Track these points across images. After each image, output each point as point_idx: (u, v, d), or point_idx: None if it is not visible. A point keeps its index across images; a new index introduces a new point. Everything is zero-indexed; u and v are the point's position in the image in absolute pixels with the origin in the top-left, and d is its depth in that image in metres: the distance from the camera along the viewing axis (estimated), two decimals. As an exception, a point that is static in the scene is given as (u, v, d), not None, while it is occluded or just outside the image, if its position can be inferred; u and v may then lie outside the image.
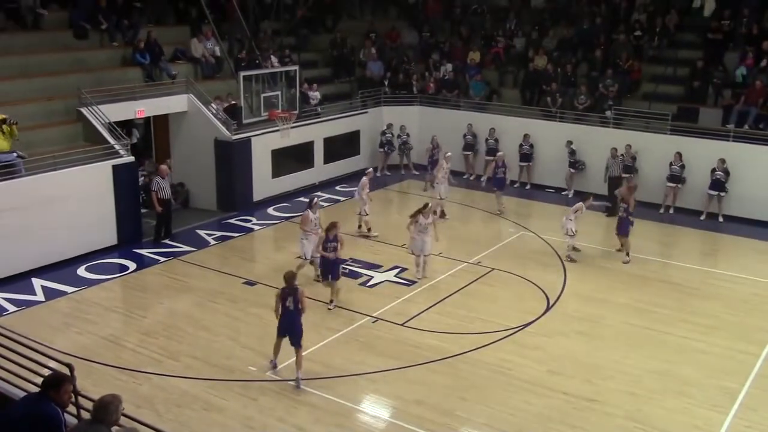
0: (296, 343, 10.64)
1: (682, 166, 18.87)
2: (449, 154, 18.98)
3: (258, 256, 17.02)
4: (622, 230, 15.82)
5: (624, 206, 15.77)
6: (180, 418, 9.86)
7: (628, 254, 15.78)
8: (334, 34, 24.80)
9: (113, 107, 16.96)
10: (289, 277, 10.62)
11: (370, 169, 18.25)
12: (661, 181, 19.25)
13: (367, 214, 17.05)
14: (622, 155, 19.22)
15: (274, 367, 11.05)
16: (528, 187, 21.38)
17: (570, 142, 20.40)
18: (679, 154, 18.85)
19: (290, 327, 10.63)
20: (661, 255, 16.92)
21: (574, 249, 16.10)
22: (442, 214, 18.00)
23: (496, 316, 13.12)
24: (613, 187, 18.94)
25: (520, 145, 21.24)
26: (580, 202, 16.28)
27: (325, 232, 13.43)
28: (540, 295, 14.08)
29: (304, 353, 10.92)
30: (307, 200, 14.96)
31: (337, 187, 21.32)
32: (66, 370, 6.95)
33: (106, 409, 5.75)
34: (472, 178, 22.22)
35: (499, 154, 19.39)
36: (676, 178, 18.98)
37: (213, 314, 13.08)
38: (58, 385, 6.09)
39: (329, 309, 13.18)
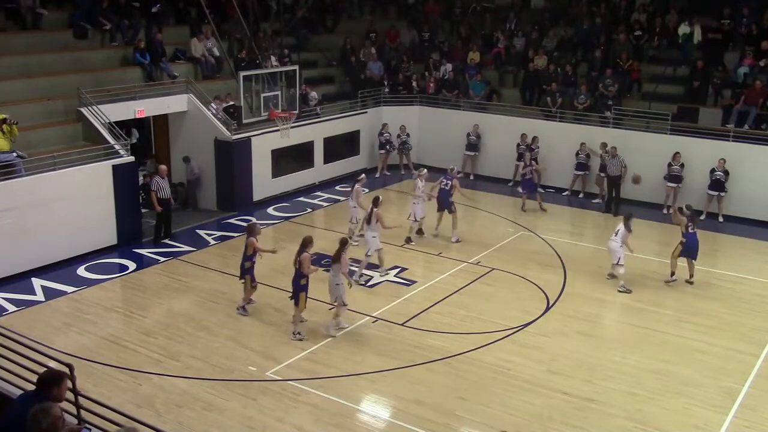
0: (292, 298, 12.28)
1: (682, 165, 18.86)
2: (424, 170, 17.19)
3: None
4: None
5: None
6: (180, 418, 9.85)
7: (691, 275, 14.62)
8: (344, 42, 24.77)
9: (113, 107, 16.95)
10: (306, 242, 12.25)
11: (363, 176, 17.30)
12: (661, 181, 19.24)
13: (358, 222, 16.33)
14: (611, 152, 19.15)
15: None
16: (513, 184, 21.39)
17: (605, 144, 19.78)
18: (678, 154, 18.83)
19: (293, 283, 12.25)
20: (662, 255, 16.87)
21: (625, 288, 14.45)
22: (420, 232, 16.80)
23: (496, 316, 13.12)
24: (612, 186, 19.04)
25: (518, 145, 21.29)
26: (622, 226, 14.50)
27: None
28: (540, 295, 14.08)
29: (303, 353, 11.26)
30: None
31: (337, 187, 21.32)
32: (65, 370, 6.95)
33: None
34: (471, 178, 22.24)
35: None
36: (676, 178, 18.97)
37: (213, 314, 13.07)
38: (54, 382, 6.11)
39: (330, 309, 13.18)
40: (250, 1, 21.76)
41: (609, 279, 14.84)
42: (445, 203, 16.79)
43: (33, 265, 14.50)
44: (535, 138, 20.79)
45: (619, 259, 14.38)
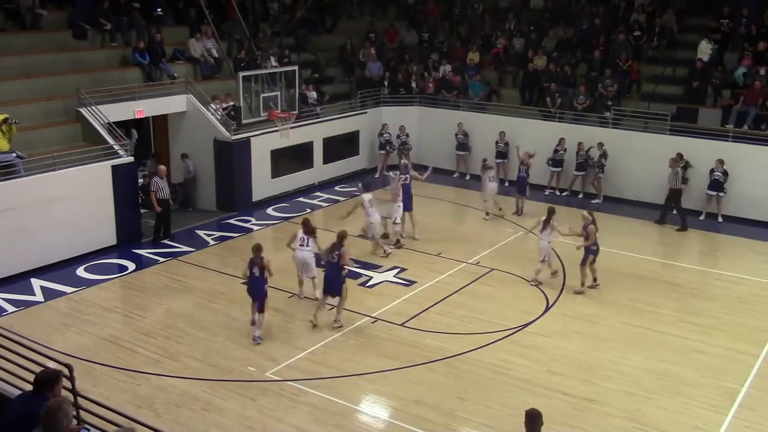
0: (259, 305, 12.10)
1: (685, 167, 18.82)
2: (402, 166, 17.60)
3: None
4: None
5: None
6: (179, 418, 9.85)
7: (583, 284, 14.16)
8: (345, 42, 24.79)
9: (112, 107, 16.96)
10: (256, 249, 12.21)
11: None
12: (660, 182, 19.23)
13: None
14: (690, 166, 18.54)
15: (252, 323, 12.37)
16: (507, 184, 21.33)
17: (601, 144, 19.85)
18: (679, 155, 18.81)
19: (253, 291, 12.12)
20: (661, 255, 16.92)
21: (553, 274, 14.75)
22: (386, 236, 16.56)
23: (495, 316, 13.12)
24: (672, 198, 18.29)
25: (496, 143, 21.30)
26: (548, 221, 14.37)
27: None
28: (539, 295, 14.07)
29: (303, 353, 11.35)
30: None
31: (337, 188, 21.34)
32: (65, 370, 6.95)
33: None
34: (467, 178, 22.25)
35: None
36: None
37: (212, 314, 13.08)
38: (52, 382, 6.13)
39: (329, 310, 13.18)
40: (249, 2, 21.78)
41: (533, 285, 14.44)
42: (409, 202, 16.73)
43: (32, 265, 14.50)
44: (562, 140, 20.48)
45: (546, 257, 14.42)
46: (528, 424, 7.49)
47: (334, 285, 12.43)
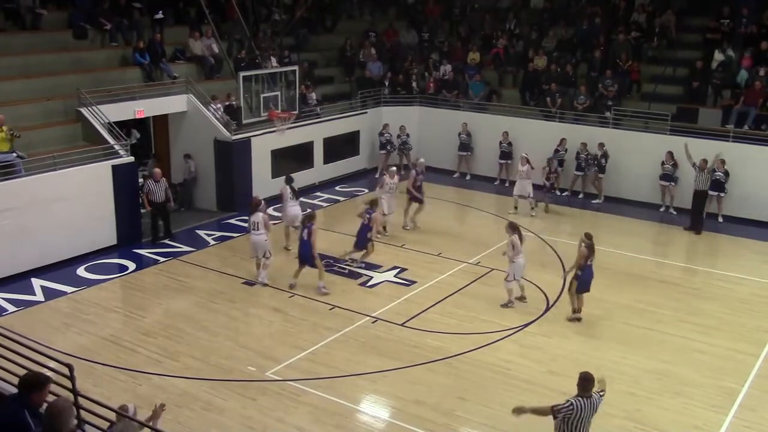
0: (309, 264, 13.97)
1: (675, 165, 18.83)
2: (393, 168, 18.23)
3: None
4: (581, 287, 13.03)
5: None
6: (179, 418, 9.85)
7: (579, 311, 13.06)
8: (345, 42, 24.79)
9: (112, 107, 16.95)
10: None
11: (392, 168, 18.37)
12: (658, 180, 19.26)
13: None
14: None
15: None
16: (507, 184, 21.33)
17: (602, 144, 19.83)
18: (670, 153, 18.82)
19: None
20: (661, 255, 16.91)
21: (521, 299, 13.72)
22: (383, 229, 16.92)
23: (496, 316, 13.12)
24: (699, 202, 17.97)
25: (500, 143, 21.30)
26: (517, 239, 13.20)
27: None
28: (539, 295, 14.06)
29: (303, 353, 11.40)
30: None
31: (337, 188, 21.34)
32: (65, 370, 6.96)
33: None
34: (468, 178, 22.25)
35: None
36: (668, 176, 18.96)
37: (212, 314, 13.08)
38: (41, 387, 5.95)
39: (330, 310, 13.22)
40: (249, 2, 21.77)
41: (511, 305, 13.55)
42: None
43: (33, 265, 14.50)
44: (563, 140, 20.44)
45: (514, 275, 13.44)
46: (579, 385, 7.89)
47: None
